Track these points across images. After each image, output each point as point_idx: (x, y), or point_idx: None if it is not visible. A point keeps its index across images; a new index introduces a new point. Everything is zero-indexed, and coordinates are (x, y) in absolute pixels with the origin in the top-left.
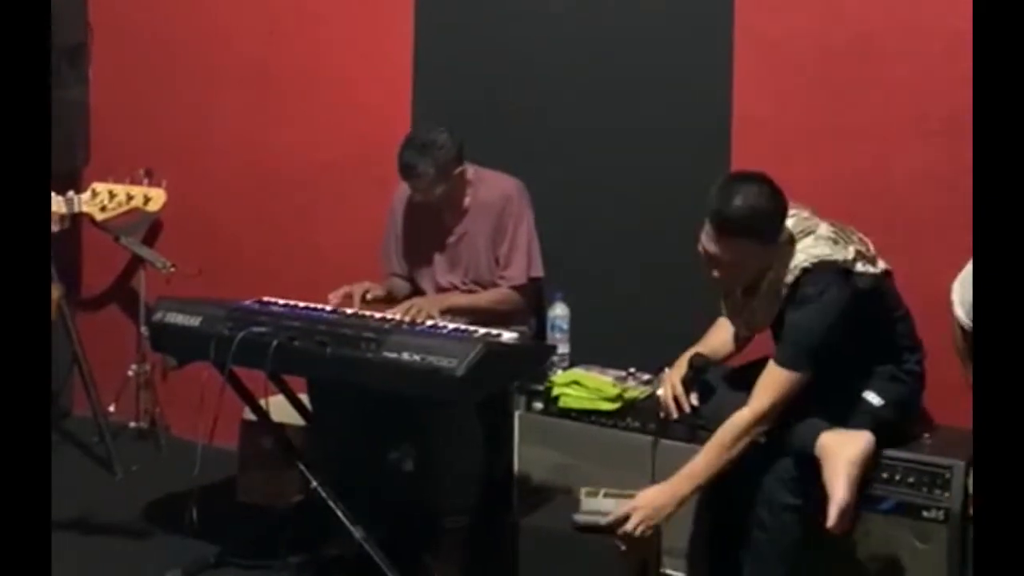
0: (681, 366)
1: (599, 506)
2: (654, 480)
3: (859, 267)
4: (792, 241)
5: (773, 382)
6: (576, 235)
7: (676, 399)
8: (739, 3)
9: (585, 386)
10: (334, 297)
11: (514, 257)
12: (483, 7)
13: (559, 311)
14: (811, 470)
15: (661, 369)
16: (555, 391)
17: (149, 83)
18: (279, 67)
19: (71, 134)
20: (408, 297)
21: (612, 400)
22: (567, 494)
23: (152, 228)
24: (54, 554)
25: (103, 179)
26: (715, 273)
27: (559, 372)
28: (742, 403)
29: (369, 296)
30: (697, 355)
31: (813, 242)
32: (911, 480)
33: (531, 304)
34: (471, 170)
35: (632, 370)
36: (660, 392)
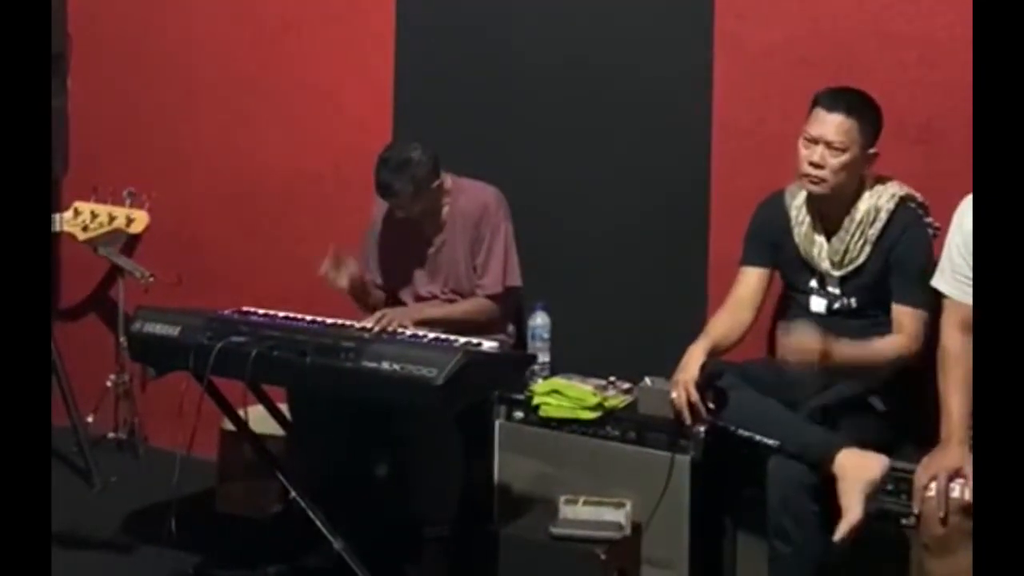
0: (690, 367)
1: (579, 515)
2: (634, 490)
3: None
4: (872, 180)
5: (912, 323)
6: (556, 244)
7: (691, 404)
8: (719, 12)
9: (565, 395)
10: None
11: (490, 266)
12: (464, 16)
13: (539, 320)
14: (827, 478)
15: (641, 378)
16: (535, 400)
17: (129, 93)
18: (260, 76)
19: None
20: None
21: (592, 409)
22: (547, 503)
23: (131, 238)
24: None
25: (82, 189)
26: (815, 158)
27: (539, 381)
28: (765, 404)
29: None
30: (711, 361)
31: (898, 186)
32: (889, 487)
33: (508, 313)
34: (449, 180)
35: (612, 379)
36: (673, 395)
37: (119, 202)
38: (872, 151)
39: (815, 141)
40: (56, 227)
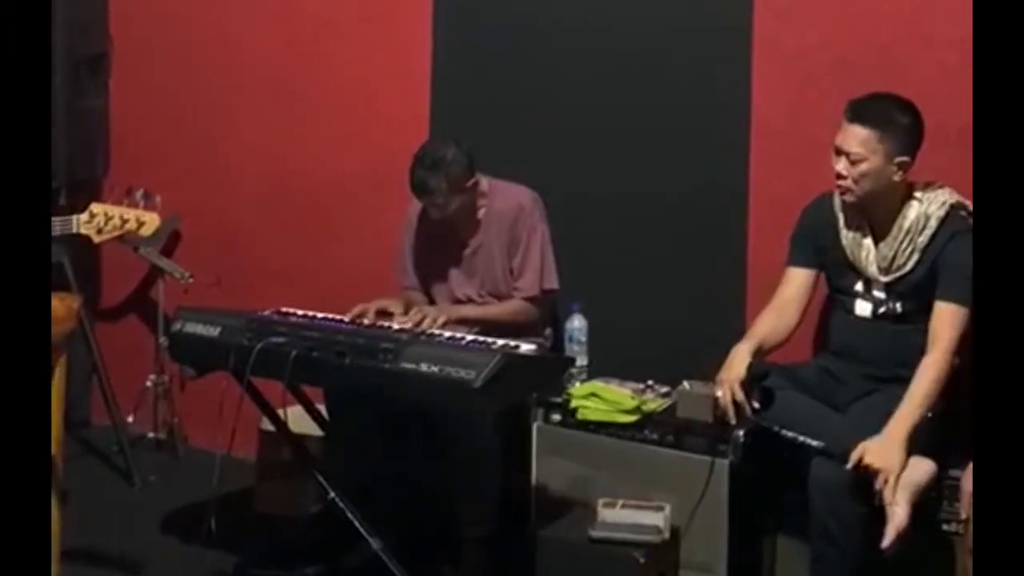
0: (735, 366)
1: (617, 518)
2: (673, 493)
3: None
4: (922, 186)
5: (951, 320)
6: (594, 246)
7: (736, 404)
8: (758, 14)
9: (603, 398)
10: (349, 316)
11: (526, 268)
12: (501, 18)
13: (577, 323)
14: (870, 480)
15: (679, 382)
16: (573, 403)
17: (168, 93)
18: (298, 78)
19: (91, 143)
20: None
21: (630, 412)
22: (585, 506)
23: (171, 238)
24: (70, 565)
25: (122, 189)
26: (839, 168)
27: (577, 384)
28: (809, 405)
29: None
30: (756, 362)
31: (948, 193)
32: (930, 493)
33: (544, 316)
34: (485, 182)
35: (650, 382)
36: (718, 394)
37: (133, 202)
38: (902, 159)
39: (839, 151)
40: (73, 229)
